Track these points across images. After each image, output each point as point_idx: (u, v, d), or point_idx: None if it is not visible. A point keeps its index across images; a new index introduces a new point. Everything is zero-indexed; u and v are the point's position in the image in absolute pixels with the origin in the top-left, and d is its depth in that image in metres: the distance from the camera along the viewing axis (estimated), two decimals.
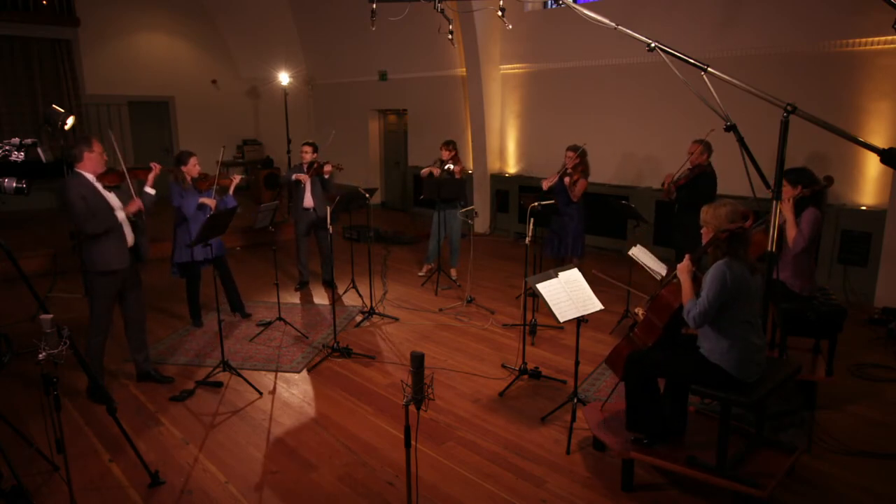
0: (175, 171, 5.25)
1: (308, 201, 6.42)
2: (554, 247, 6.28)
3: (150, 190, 4.28)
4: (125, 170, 4.12)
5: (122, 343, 4.62)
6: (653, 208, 7.72)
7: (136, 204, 4.09)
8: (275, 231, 5.65)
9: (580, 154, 6.00)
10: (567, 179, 5.99)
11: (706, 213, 3.08)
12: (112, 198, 4.04)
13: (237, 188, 5.46)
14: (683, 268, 3.10)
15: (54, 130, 6.76)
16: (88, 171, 3.94)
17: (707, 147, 5.47)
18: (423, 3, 4.76)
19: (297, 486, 3.26)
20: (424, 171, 6.86)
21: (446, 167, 6.73)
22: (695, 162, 5.48)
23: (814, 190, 4.07)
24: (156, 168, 4.34)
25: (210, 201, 5.19)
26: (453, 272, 7.06)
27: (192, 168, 5.26)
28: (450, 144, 6.83)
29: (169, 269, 5.49)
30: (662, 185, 5.67)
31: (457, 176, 6.71)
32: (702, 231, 3.11)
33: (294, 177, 6.41)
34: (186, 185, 5.22)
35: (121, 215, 4.04)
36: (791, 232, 4.02)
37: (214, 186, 5.26)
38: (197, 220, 5.12)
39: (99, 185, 3.98)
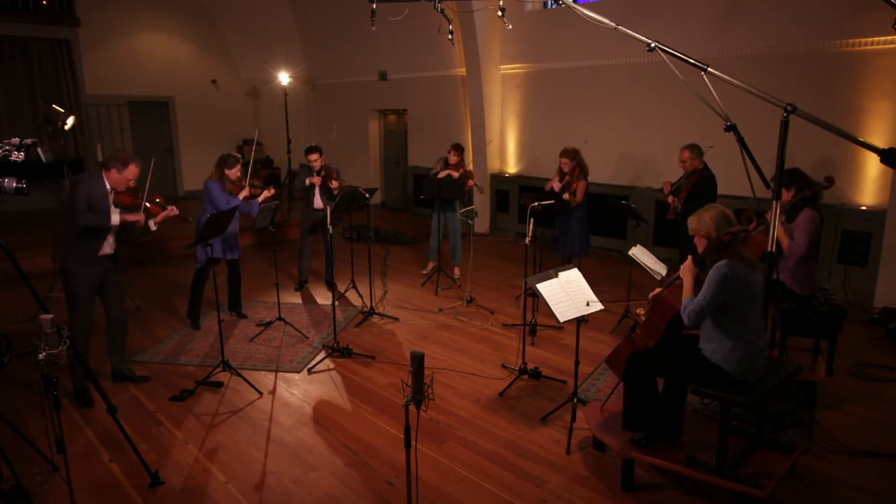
0: (216, 173, 5.34)
1: (318, 202, 6.44)
2: (559, 249, 6.27)
3: (152, 226, 4.27)
4: (144, 200, 4.13)
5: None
6: (653, 208, 7.72)
7: (140, 217, 4.08)
8: (275, 231, 5.65)
9: (574, 157, 5.99)
10: (567, 196, 5.96)
11: (692, 222, 3.08)
12: (115, 212, 4.04)
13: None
14: (686, 267, 3.13)
15: (54, 130, 6.75)
16: (109, 182, 4.00)
17: (697, 150, 5.45)
18: (423, 3, 4.76)
19: (296, 486, 3.26)
20: (442, 173, 6.75)
21: (460, 169, 6.74)
22: (689, 168, 5.48)
23: (813, 192, 4.08)
24: (172, 211, 4.33)
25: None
26: (456, 271, 7.07)
27: (235, 173, 5.37)
28: (458, 148, 6.85)
29: (169, 268, 5.49)
30: (668, 203, 5.63)
31: (465, 187, 6.74)
32: (694, 240, 3.10)
33: (308, 180, 6.37)
34: (227, 188, 5.32)
35: (115, 220, 4.04)
36: (784, 241, 4.01)
37: (248, 192, 5.38)
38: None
39: (110, 198, 4.03)
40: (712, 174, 5.46)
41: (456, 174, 6.75)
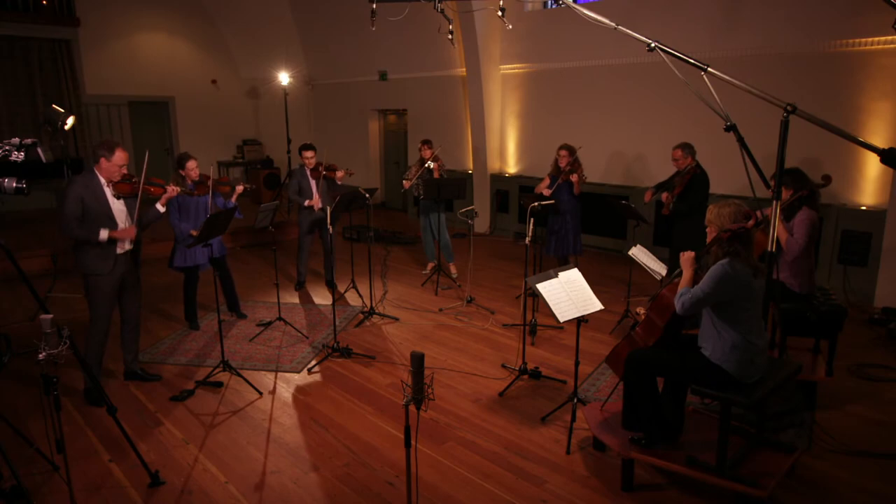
0: (174, 177, 5.19)
1: (318, 202, 6.40)
2: (555, 247, 6.32)
3: (160, 207, 4.25)
4: (141, 184, 4.05)
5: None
6: (653, 208, 7.72)
7: (130, 232, 4.03)
8: (275, 231, 5.64)
9: (573, 152, 6.13)
10: (574, 177, 6.08)
11: (711, 212, 3.12)
12: (118, 205, 4.02)
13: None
14: (687, 258, 3.15)
15: (54, 130, 6.76)
16: (103, 175, 3.94)
17: (689, 149, 5.49)
18: (423, 3, 4.76)
19: (297, 486, 3.26)
20: (407, 183, 6.91)
21: (426, 165, 6.77)
22: (682, 166, 5.50)
23: (811, 190, 4.09)
24: (172, 191, 4.30)
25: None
26: (453, 269, 7.08)
27: (191, 171, 5.18)
28: (429, 143, 6.91)
29: (167, 269, 5.47)
30: (662, 198, 5.67)
31: (435, 175, 6.75)
32: (707, 230, 3.14)
33: (307, 203, 6.33)
34: (186, 188, 5.12)
35: (120, 223, 4.02)
36: (782, 236, 4.03)
37: (211, 192, 5.19)
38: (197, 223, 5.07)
39: (108, 191, 3.96)
40: (704, 172, 5.50)
41: (407, 185, 6.82)
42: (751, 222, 3.05)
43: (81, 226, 3.88)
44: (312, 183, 6.38)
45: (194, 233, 5.01)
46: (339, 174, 6.39)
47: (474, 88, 9.38)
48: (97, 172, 3.93)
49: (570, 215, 6.23)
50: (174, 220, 5.16)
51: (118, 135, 11.03)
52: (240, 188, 5.42)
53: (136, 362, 4.51)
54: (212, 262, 4.99)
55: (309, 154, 6.35)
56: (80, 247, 3.96)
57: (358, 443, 3.68)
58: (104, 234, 3.90)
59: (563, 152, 6.19)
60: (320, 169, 6.34)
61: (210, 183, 5.20)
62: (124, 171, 4.00)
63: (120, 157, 3.92)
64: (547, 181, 6.30)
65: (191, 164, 5.18)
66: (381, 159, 12.49)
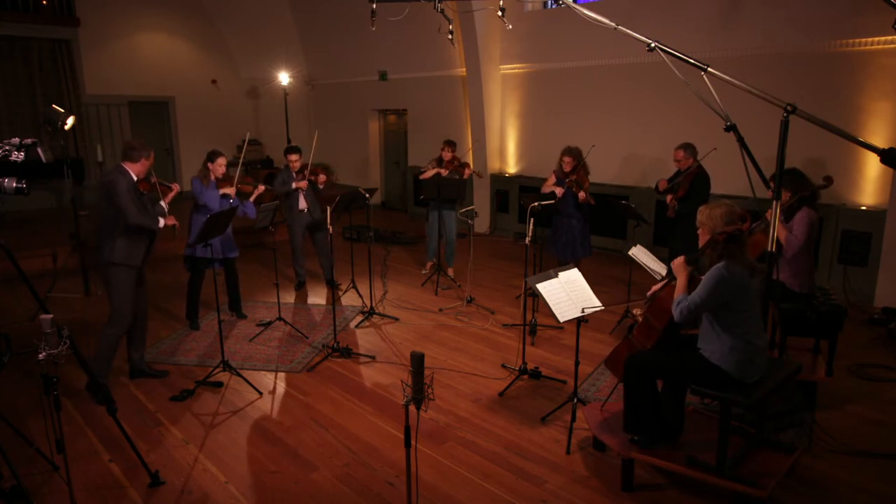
0: (201, 169, 5.39)
1: (302, 203, 6.41)
2: (560, 250, 6.19)
3: (163, 205, 4.38)
4: (157, 182, 4.28)
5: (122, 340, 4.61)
6: (653, 208, 7.73)
7: (172, 219, 4.29)
8: (274, 231, 5.65)
9: (578, 157, 5.96)
10: (582, 195, 5.86)
11: (702, 213, 3.10)
12: (160, 219, 4.22)
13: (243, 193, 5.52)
14: (679, 264, 3.13)
15: (54, 130, 6.74)
16: (134, 172, 4.10)
17: (691, 150, 5.48)
18: (423, 3, 4.76)
19: (297, 486, 3.26)
20: (427, 174, 6.79)
21: (455, 168, 6.71)
22: (684, 167, 5.50)
23: (811, 191, 4.09)
24: (175, 189, 4.47)
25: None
26: (450, 271, 7.07)
27: (219, 168, 5.36)
28: (451, 144, 6.84)
29: (169, 268, 5.50)
30: (666, 200, 5.63)
31: (465, 176, 6.73)
32: (698, 232, 3.12)
33: (294, 185, 6.31)
34: (207, 182, 5.33)
35: (162, 223, 4.26)
36: (781, 234, 4.04)
37: (234, 189, 5.35)
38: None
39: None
40: (706, 172, 5.49)
41: (444, 172, 6.73)
42: (745, 224, 3.04)
43: (143, 214, 4.09)
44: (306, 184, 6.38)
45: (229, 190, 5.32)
46: (322, 179, 6.38)
47: (474, 88, 9.38)
48: (129, 169, 4.08)
49: (577, 220, 6.04)
50: (199, 197, 5.33)
51: (118, 135, 11.04)
52: (261, 187, 5.63)
53: (144, 361, 4.56)
54: (222, 261, 5.05)
55: (294, 157, 6.35)
56: (116, 236, 4.04)
57: (358, 443, 3.68)
58: (162, 221, 4.19)
59: (567, 158, 5.91)
60: (305, 172, 6.34)
61: (235, 181, 5.38)
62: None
63: (152, 156, 4.20)
64: (553, 179, 6.08)
65: (220, 161, 5.38)
66: (381, 159, 12.49)
